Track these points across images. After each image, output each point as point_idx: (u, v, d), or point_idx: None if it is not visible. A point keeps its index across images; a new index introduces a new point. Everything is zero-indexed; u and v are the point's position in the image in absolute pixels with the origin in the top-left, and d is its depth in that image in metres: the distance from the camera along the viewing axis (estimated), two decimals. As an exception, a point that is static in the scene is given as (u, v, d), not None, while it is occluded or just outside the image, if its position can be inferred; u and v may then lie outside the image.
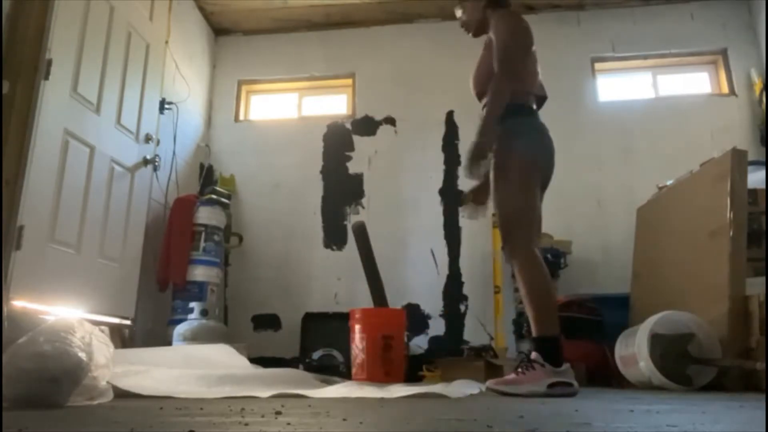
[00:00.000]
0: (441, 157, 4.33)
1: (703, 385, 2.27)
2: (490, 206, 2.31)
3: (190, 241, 3.59)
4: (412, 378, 3.25)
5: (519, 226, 2.09)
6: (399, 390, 1.94)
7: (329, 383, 2.28)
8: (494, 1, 2.32)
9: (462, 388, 2.09)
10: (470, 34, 2.44)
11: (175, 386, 1.88)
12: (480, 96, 2.29)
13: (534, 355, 1.96)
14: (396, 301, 3.62)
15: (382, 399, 1.70)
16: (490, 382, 2.01)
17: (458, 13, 2.46)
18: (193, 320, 3.36)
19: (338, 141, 4.46)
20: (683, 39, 4.30)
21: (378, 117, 4.48)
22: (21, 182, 2.42)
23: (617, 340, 2.69)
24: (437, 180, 4.31)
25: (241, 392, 1.79)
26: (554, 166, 2.23)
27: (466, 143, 4.28)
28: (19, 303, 2.37)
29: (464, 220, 4.19)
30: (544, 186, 2.23)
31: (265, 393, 1.73)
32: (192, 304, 3.49)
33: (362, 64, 4.62)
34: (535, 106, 2.26)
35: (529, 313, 2.02)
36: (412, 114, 4.44)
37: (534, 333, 2.00)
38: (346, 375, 3.24)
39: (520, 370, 1.96)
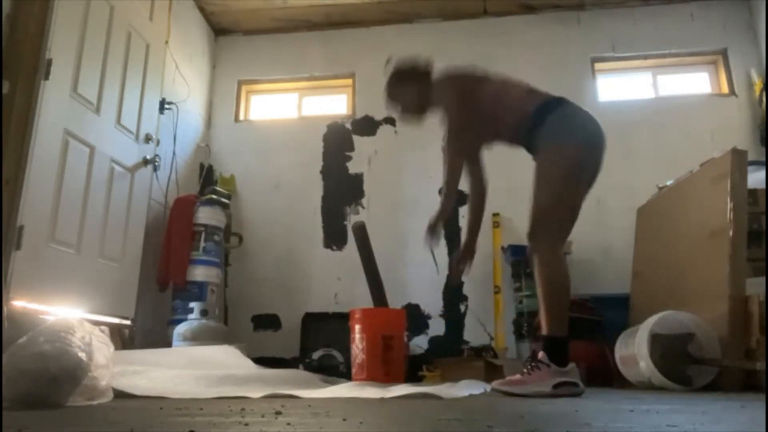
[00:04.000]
0: (441, 157, 4.31)
1: (703, 385, 2.26)
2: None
3: (190, 241, 3.59)
4: (412, 378, 3.24)
5: (549, 221, 2.06)
6: (399, 390, 1.93)
7: (331, 383, 2.28)
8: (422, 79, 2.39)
9: (466, 388, 2.09)
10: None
11: (172, 386, 1.87)
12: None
13: (541, 354, 1.96)
14: (396, 301, 3.61)
15: (382, 399, 1.70)
16: (495, 383, 2.00)
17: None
18: (193, 320, 3.36)
19: (338, 141, 4.46)
20: (683, 39, 4.30)
21: (378, 117, 4.47)
22: (21, 182, 2.42)
23: (617, 340, 2.69)
24: (437, 180, 4.26)
25: (238, 392, 1.78)
26: (601, 158, 2.16)
27: (466, 143, 4.30)
28: (19, 303, 2.37)
29: (465, 220, 4.18)
30: (589, 183, 2.18)
31: (258, 393, 1.72)
32: (192, 304, 3.49)
33: (362, 64, 4.61)
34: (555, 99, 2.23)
35: (542, 311, 2.01)
36: (412, 114, 4.43)
37: (544, 331, 2.00)
38: (346, 375, 3.24)
39: (525, 370, 1.96)
